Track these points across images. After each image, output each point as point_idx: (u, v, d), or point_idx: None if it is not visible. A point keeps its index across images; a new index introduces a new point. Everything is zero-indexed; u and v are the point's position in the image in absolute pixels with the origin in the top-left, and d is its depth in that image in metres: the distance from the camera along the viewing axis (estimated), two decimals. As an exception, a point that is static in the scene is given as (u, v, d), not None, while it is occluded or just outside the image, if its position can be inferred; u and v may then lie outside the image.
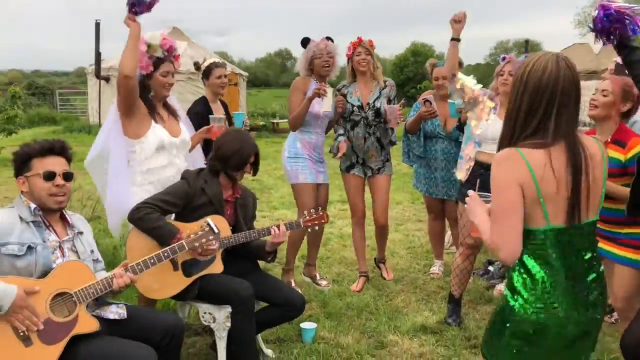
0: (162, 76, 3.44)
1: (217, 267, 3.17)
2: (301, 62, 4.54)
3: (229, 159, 3.22)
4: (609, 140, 3.16)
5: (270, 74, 73.83)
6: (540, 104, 1.82)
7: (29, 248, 2.44)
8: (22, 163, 2.56)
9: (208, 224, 2.88)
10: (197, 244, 2.87)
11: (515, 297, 1.93)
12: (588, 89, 3.46)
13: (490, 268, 4.93)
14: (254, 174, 3.43)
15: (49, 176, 2.53)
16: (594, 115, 3.21)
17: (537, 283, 1.88)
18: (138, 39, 3.22)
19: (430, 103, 4.41)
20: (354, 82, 4.58)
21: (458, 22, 3.88)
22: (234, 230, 3.30)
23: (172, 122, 3.56)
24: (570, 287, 1.88)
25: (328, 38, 4.48)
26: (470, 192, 2.08)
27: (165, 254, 2.79)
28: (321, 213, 3.47)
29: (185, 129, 3.64)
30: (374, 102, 4.51)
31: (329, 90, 4.31)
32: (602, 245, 3.13)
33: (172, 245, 2.84)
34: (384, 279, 4.80)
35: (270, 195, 8.37)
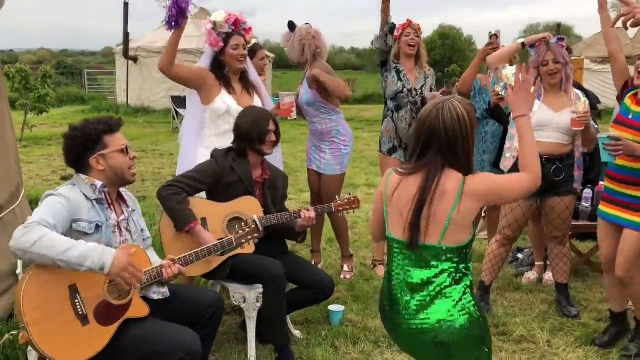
0: (233, 49, 3.63)
1: (248, 247, 3.19)
2: (297, 49, 4.38)
3: (249, 133, 3.25)
4: None
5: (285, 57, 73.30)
6: (416, 142, 2.19)
7: (97, 227, 2.47)
8: (92, 142, 2.52)
9: (254, 222, 2.98)
10: (243, 241, 2.95)
11: None
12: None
13: (520, 255, 4.88)
14: (277, 141, 3.42)
15: (127, 150, 2.58)
16: None
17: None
18: (178, 38, 3.48)
19: (497, 37, 4.28)
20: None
21: (540, 39, 3.81)
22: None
23: (244, 96, 3.72)
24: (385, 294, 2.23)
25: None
26: None
27: (215, 248, 2.88)
28: (352, 198, 3.46)
29: (260, 102, 3.77)
30: (421, 88, 4.45)
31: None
32: (612, 211, 3.24)
33: (223, 240, 2.92)
34: None
35: (297, 178, 8.36)
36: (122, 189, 2.71)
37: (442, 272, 2.08)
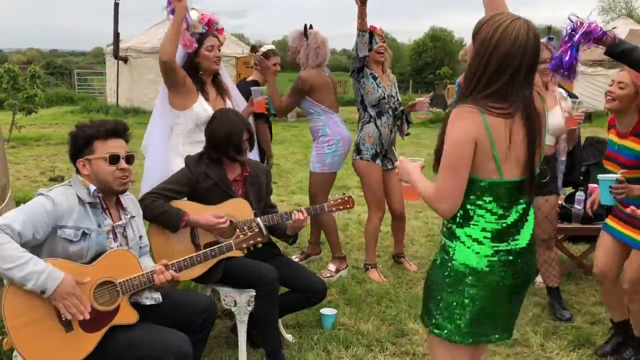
0: (208, 50, 3.50)
1: (238, 251, 3.14)
2: (310, 55, 4.39)
3: (223, 144, 3.17)
4: (630, 131, 3.13)
5: (286, 57, 73.42)
6: (506, 70, 1.86)
7: (84, 234, 2.39)
8: (82, 145, 2.47)
9: (258, 225, 2.87)
10: (244, 245, 2.84)
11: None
12: (611, 77, 3.43)
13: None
14: (251, 148, 3.36)
15: (114, 159, 2.48)
16: (612, 108, 3.19)
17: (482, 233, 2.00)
18: (181, 23, 3.25)
19: None
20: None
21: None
22: None
23: (219, 102, 3.58)
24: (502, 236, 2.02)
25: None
26: (400, 157, 2.22)
27: (213, 253, 2.79)
28: (346, 198, 3.43)
29: (231, 106, 3.64)
30: (396, 94, 4.51)
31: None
32: (621, 228, 3.14)
33: (221, 245, 2.83)
34: (408, 270, 4.73)
35: (288, 180, 8.34)
36: (124, 195, 2.64)
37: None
